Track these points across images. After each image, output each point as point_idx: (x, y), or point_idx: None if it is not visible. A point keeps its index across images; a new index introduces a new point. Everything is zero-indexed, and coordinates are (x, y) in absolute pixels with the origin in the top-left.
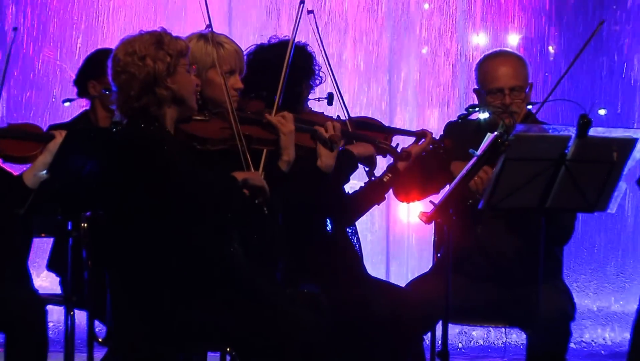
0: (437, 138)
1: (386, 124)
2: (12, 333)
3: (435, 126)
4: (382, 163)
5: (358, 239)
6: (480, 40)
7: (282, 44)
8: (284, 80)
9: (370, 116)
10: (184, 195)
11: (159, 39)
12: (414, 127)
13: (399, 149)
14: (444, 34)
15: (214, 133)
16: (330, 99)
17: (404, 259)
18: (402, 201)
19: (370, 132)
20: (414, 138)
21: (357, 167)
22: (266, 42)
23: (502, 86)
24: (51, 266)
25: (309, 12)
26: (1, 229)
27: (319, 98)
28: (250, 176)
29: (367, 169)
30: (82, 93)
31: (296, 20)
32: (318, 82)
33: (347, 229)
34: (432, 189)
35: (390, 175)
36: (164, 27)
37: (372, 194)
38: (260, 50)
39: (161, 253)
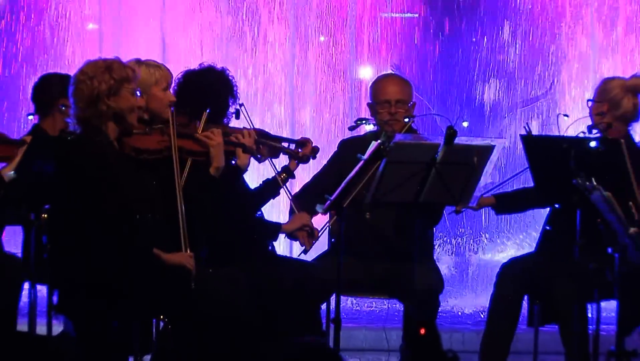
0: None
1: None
2: None
3: (332, 143)
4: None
5: None
6: (365, 72)
7: (210, 70)
8: (210, 101)
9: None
10: (111, 197)
11: (109, 65)
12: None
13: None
14: (337, 64)
15: (151, 144)
16: (237, 113)
17: None
18: None
19: (271, 140)
20: (295, 144)
21: (277, 238)
22: (197, 66)
23: (389, 98)
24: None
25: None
26: None
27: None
28: (169, 258)
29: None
30: (40, 109)
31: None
32: (236, 101)
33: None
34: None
35: (284, 174)
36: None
37: (268, 191)
38: (192, 74)
39: (98, 238)
